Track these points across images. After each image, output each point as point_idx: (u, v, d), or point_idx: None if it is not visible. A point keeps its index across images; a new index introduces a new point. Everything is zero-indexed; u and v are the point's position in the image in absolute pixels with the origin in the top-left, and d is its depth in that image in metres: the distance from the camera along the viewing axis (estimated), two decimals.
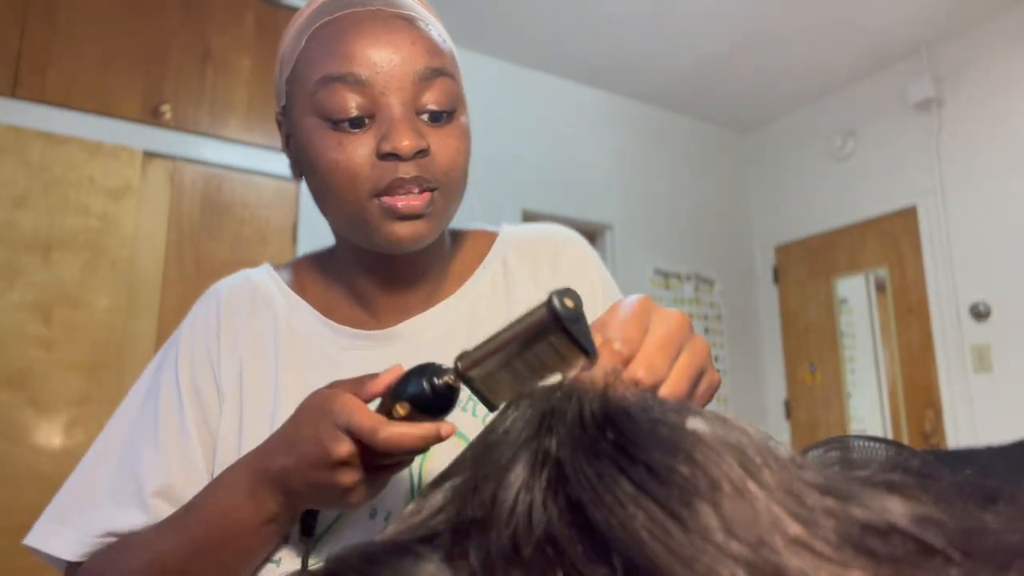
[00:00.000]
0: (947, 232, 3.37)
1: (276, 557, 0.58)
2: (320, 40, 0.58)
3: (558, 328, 0.40)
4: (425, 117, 0.58)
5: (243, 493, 0.52)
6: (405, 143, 0.55)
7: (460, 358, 0.45)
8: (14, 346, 2.30)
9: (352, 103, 0.56)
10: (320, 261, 0.72)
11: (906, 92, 3.51)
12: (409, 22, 0.59)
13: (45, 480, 2.26)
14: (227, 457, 0.60)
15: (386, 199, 0.57)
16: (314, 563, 0.57)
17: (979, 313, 3.20)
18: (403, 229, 0.57)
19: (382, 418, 0.46)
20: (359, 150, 0.56)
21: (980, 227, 3.26)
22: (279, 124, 0.65)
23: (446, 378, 0.46)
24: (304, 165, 0.61)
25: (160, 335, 2.60)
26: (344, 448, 0.47)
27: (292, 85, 0.60)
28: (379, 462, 0.49)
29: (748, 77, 3.79)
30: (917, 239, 3.51)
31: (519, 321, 0.42)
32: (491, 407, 0.44)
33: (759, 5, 3.17)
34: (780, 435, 3.87)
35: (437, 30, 0.61)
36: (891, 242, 3.64)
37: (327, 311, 0.67)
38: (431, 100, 0.58)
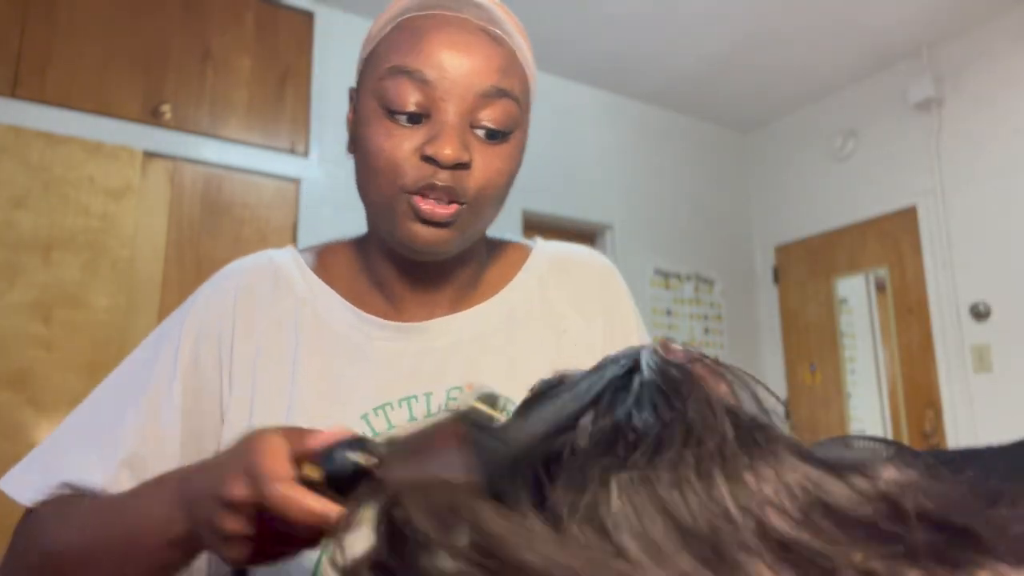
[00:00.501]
0: (947, 232, 3.37)
1: None
2: (403, 31, 0.59)
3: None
4: (481, 133, 0.58)
5: (161, 509, 0.48)
6: (447, 151, 0.55)
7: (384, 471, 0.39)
8: (14, 346, 2.30)
9: (412, 99, 0.57)
10: (348, 248, 0.71)
11: (906, 92, 3.51)
12: (492, 38, 0.59)
13: None
14: None
15: (415, 199, 0.57)
16: None
17: (979, 313, 3.20)
18: (424, 232, 0.58)
19: (286, 474, 0.40)
20: (405, 144, 0.57)
21: (980, 227, 3.26)
22: (351, 97, 0.66)
23: (369, 459, 0.40)
24: (357, 145, 0.62)
25: None
26: (237, 491, 0.40)
27: (367, 65, 0.62)
28: (278, 527, 0.41)
29: (748, 77, 3.79)
30: (917, 239, 3.51)
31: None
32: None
33: (759, 5, 3.17)
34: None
35: (521, 54, 0.62)
36: (891, 242, 3.64)
37: (352, 298, 0.66)
38: (488, 117, 0.58)
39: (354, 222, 0.69)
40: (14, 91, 2.47)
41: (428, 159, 0.56)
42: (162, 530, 0.47)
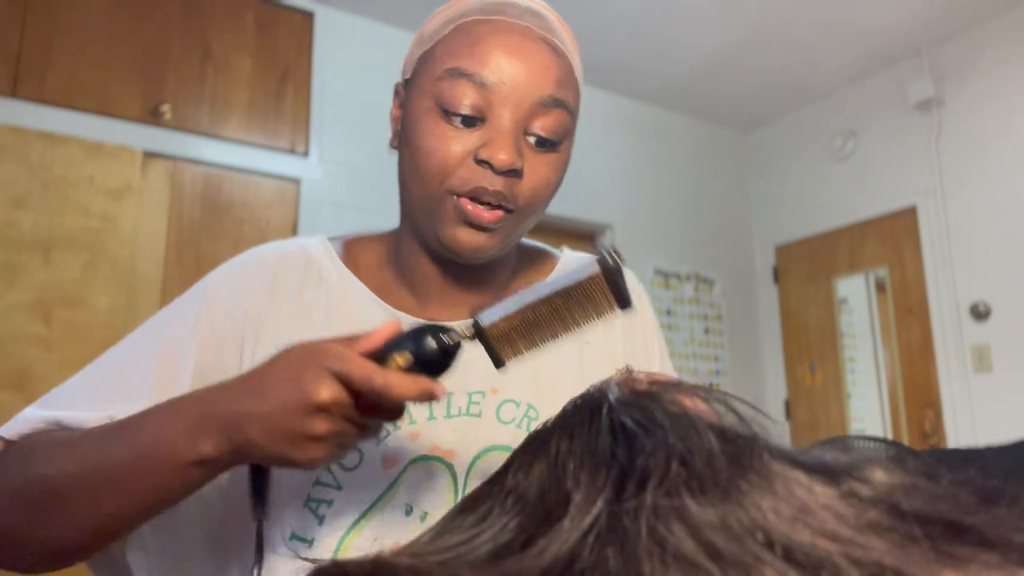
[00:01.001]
0: (947, 232, 3.37)
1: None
2: (464, 34, 0.59)
3: (605, 277, 0.45)
4: (532, 140, 0.59)
5: (182, 428, 0.48)
6: (502, 156, 0.56)
7: (478, 312, 0.47)
8: (14, 346, 2.30)
9: (469, 101, 0.57)
10: (375, 242, 0.71)
11: (906, 92, 3.51)
12: (551, 48, 0.60)
13: None
14: None
15: (462, 201, 0.58)
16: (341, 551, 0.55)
17: (979, 313, 3.20)
18: (466, 236, 0.58)
19: (378, 366, 0.44)
20: (458, 147, 0.58)
21: (980, 227, 3.26)
22: (396, 92, 0.66)
23: (456, 335, 0.46)
24: (405, 141, 0.62)
25: None
26: (329, 391, 0.43)
27: (423, 64, 0.62)
28: (358, 420, 0.45)
29: (748, 77, 3.79)
30: (917, 239, 3.51)
31: (556, 282, 0.46)
32: (498, 364, 0.48)
33: (759, 5, 3.17)
34: (780, 435, 3.85)
35: (576, 67, 0.63)
36: (891, 242, 3.64)
37: (378, 292, 0.67)
38: (543, 127, 0.59)
39: (354, 222, 0.69)
40: (14, 91, 2.47)
41: (482, 163, 0.57)
42: (186, 450, 0.47)
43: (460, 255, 0.60)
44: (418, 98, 0.60)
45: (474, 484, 0.57)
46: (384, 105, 3.38)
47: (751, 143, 4.45)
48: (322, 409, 0.44)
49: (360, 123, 3.07)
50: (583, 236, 3.74)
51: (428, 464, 0.60)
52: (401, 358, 0.46)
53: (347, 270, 0.67)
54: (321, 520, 0.57)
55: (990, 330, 3.17)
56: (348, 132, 3.05)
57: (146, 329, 0.65)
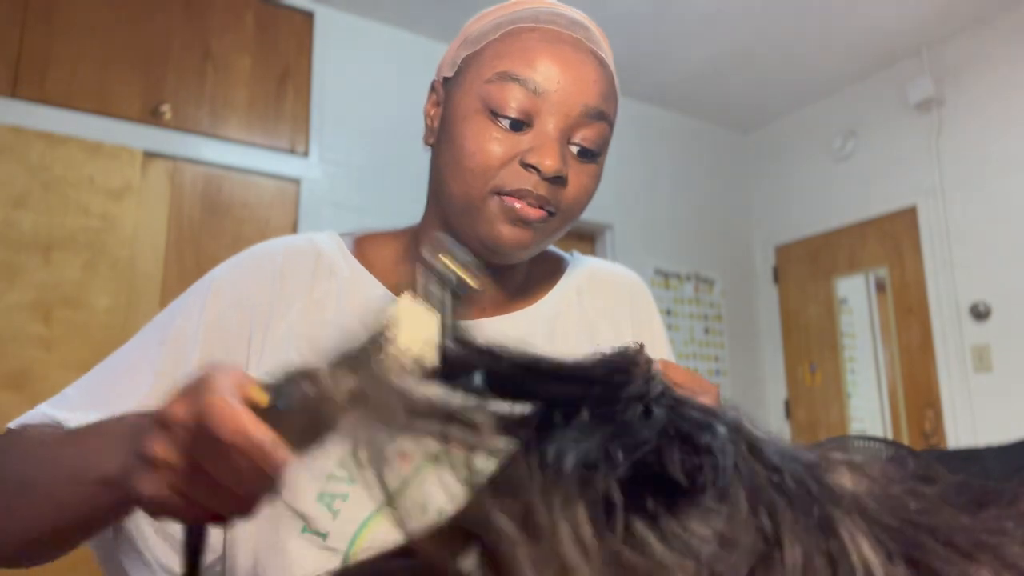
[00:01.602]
0: (947, 232, 3.37)
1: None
2: (516, 39, 0.61)
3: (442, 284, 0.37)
4: (575, 150, 0.60)
5: (97, 445, 0.45)
6: (549, 163, 0.57)
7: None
8: (14, 346, 2.30)
9: (519, 105, 0.58)
10: (388, 239, 0.71)
11: (906, 92, 3.51)
12: (600, 63, 0.62)
13: None
14: None
15: (508, 198, 0.59)
16: None
17: (979, 313, 3.20)
18: (509, 231, 0.59)
19: (230, 392, 0.36)
20: (505, 149, 0.59)
21: (980, 227, 3.26)
22: (434, 89, 0.67)
23: (318, 388, 0.35)
24: (445, 138, 0.62)
25: None
26: (175, 408, 0.36)
27: (469, 65, 0.62)
28: (211, 473, 0.36)
29: (748, 77, 3.79)
30: (917, 239, 3.51)
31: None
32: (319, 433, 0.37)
33: (759, 5, 3.17)
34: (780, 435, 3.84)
35: (616, 81, 0.65)
36: (891, 242, 3.64)
37: (394, 290, 0.67)
38: (585, 137, 0.61)
39: (354, 222, 0.69)
40: (14, 91, 2.47)
41: (529, 167, 0.58)
42: (91, 467, 0.43)
43: (501, 251, 0.61)
44: (463, 98, 0.61)
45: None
46: (384, 105, 3.37)
47: (751, 143, 4.45)
48: (163, 425, 0.37)
49: (360, 123, 3.07)
50: (583, 236, 3.74)
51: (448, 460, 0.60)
52: (257, 392, 0.37)
53: (360, 265, 0.67)
54: (336, 514, 0.57)
55: (990, 330, 3.17)
56: (348, 132, 3.05)
57: (151, 326, 0.65)
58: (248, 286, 0.64)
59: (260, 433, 0.34)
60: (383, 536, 0.56)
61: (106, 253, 2.48)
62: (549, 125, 0.59)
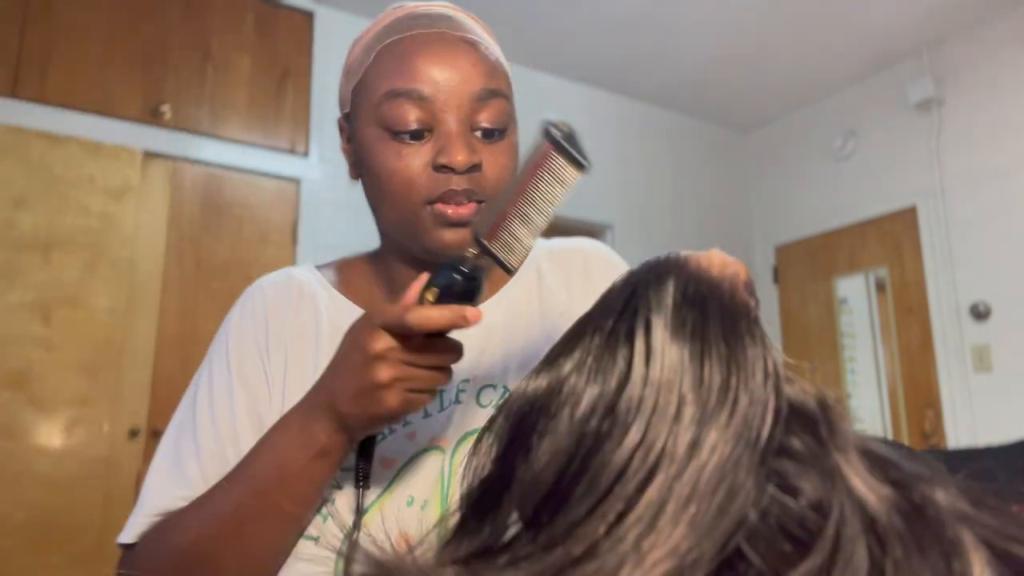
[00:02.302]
0: (947, 232, 3.37)
1: (324, 511, 0.59)
2: (388, 56, 0.63)
3: (556, 148, 0.48)
4: (479, 134, 0.62)
5: (293, 431, 0.54)
6: (460, 158, 0.59)
7: (476, 228, 0.52)
8: (14, 346, 2.30)
9: (413, 117, 0.60)
10: (362, 263, 0.74)
11: (906, 92, 3.51)
12: (472, 45, 0.64)
13: (45, 480, 2.26)
14: None
15: (438, 206, 0.60)
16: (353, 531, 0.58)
17: (979, 313, 3.20)
18: (451, 235, 0.61)
19: (411, 304, 0.50)
20: (416, 161, 0.60)
21: (980, 227, 3.26)
22: (341, 128, 0.70)
23: (468, 258, 0.51)
24: (364, 170, 0.65)
25: (160, 335, 2.60)
26: (380, 342, 0.49)
27: (358, 95, 0.65)
28: (419, 362, 0.50)
29: (748, 77, 3.79)
30: (917, 239, 3.50)
31: (520, 170, 0.50)
32: (509, 271, 0.53)
33: (759, 6, 3.17)
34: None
35: (495, 55, 0.66)
36: (891, 242, 3.64)
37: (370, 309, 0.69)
38: (486, 119, 0.62)
39: (354, 222, 0.70)
40: (14, 91, 2.47)
41: (442, 168, 0.60)
42: (304, 446, 0.53)
43: (449, 254, 0.62)
44: (363, 128, 0.63)
45: (458, 471, 0.60)
46: None
47: (751, 143, 4.45)
48: (378, 357, 0.49)
49: None
50: (583, 236, 3.74)
51: (427, 455, 0.63)
52: (429, 294, 0.51)
53: (337, 292, 0.70)
54: (325, 518, 0.60)
55: (990, 330, 3.17)
56: None
57: (191, 397, 0.68)
58: (247, 332, 0.68)
59: (455, 311, 0.49)
60: (371, 535, 0.59)
61: (106, 253, 2.48)
62: (447, 123, 0.60)
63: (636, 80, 3.82)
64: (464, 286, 0.51)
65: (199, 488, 0.60)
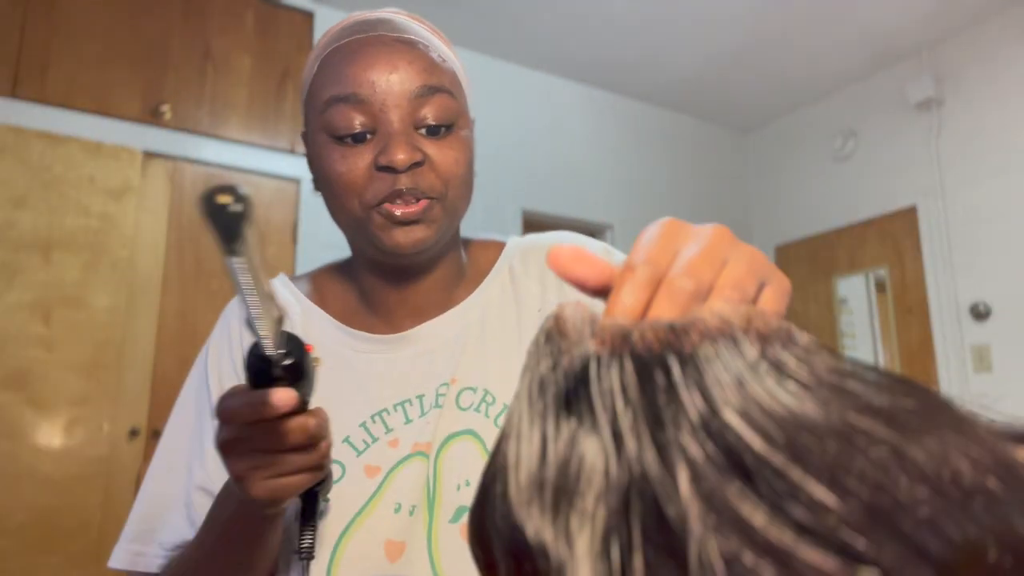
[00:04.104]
0: (947, 232, 3.37)
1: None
2: (329, 65, 0.63)
3: (210, 224, 0.38)
4: (424, 131, 0.62)
5: (231, 497, 0.54)
6: (400, 156, 0.59)
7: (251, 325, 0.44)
8: (14, 346, 2.30)
9: (355, 120, 0.60)
10: (338, 270, 0.74)
11: (906, 92, 3.51)
12: (409, 45, 0.63)
13: (45, 480, 2.26)
14: None
15: (386, 206, 0.60)
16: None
17: (979, 313, 3.20)
18: (402, 235, 0.61)
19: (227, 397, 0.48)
20: (360, 163, 0.60)
21: (980, 227, 3.26)
22: (305, 142, 0.70)
23: (268, 342, 0.45)
24: (318, 179, 0.65)
25: (160, 335, 2.60)
26: (220, 432, 0.48)
27: (308, 108, 0.66)
28: (274, 446, 0.48)
29: (748, 77, 3.79)
30: (917, 239, 3.50)
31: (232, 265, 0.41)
32: (285, 319, 0.49)
33: (759, 6, 3.17)
34: None
35: (438, 52, 0.65)
36: (891, 242, 3.64)
37: (344, 318, 0.70)
38: (429, 115, 0.62)
39: None
40: (14, 91, 2.47)
41: (384, 168, 0.60)
42: (248, 512, 0.53)
43: (405, 255, 0.63)
44: (313, 138, 0.64)
45: (443, 475, 0.61)
46: None
47: (751, 143, 4.45)
48: (223, 449, 0.48)
49: None
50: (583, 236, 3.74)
51: (411, 461, 0.63)
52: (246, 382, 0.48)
53: (309, 302, 0.71)
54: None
55: (990, 330, 3.17)
56: None
57: (178, 425, 0.69)
58: (223, 351, 0.69)
59: (241, 398, 0.46)
60: (362, 546, 0.60)
61: (106, 253, 2.48)
62: (388, 123, 0.60)
63: (636, 80, 3.82)
64: (271, 370, 0.46)
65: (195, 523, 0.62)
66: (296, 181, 2.92)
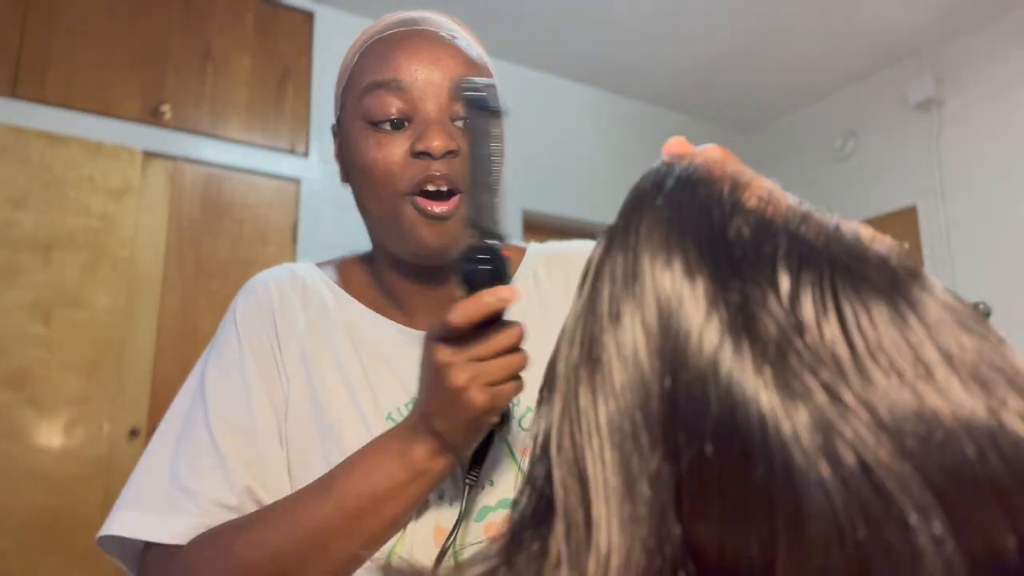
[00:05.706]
0: (947, 232, 3.37)
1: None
2: (371, 54, 0.66)
3: (471, 108, 0.51)
4: (459, 124, 0.63)
5: (391, 455, 0.55)
6: (436, 143, 0.60)
7: (464, 215, 0.54)
8: (14, 346, 2.30)
9: (392, 106, 0.62)
10: (360, 264, 0.74)
11: (906, 92, 3.51)
12: (451, 42, 0.66)
13: (45, 480, 2.26)
14: (305, 443, 0.62)
15: (419, 199, 0.61)
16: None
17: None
18: (432, 235, 0.61)
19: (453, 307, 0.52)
20: (396, 149, 0.61)
21: (980, 227, 3.26)
22: (334, 134, 0.71)
23: (476, 246, 0.53)
24: (351, 167, 0.66)
25: (160, 335, 2.60)
26: (441, 352, 0.51)
27: (345, 95, 0.67)
28: (486, 353, 0.52)
29: (748, 77, 3.79)
30: (917, 239, 3.50)
31: (466, 148, 0.53)
32: (502, 239, 0.55)
33: (759, 5, 3.17)
34: None
35: (476, 51, 0.68)
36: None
37: (373, 307, 0.70)
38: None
39: (354, 222, 0.70)
40: (14, 91, 2.47)
41: (420, 154, 0.60)
42: (402, 468, 0.54)
43: (431, 254, 0.63)
44: (349, 124, 0.65)
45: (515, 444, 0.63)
46: None
47: (751, 143, 4.45)
48: (445, 365, 0.51)
49: None
50: (583, 236, 3.73)
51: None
52: (457, 291, 0.53)
53: (342, 291, 0.70)
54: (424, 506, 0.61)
55: None
56: None
57: (198, 378, 0.66)
58: (254, 325, 0.67)
59: (482, 297, 0.51)
60: (422, 529, 0.60)
61: (106, 253, 2.48)
62: (425, 111, 0.62)
63: (636, 80, 3.82)
64: (486, 270, 0.53)
65: (240, 487, 0.59)
66: (296, 181, 2.92)
